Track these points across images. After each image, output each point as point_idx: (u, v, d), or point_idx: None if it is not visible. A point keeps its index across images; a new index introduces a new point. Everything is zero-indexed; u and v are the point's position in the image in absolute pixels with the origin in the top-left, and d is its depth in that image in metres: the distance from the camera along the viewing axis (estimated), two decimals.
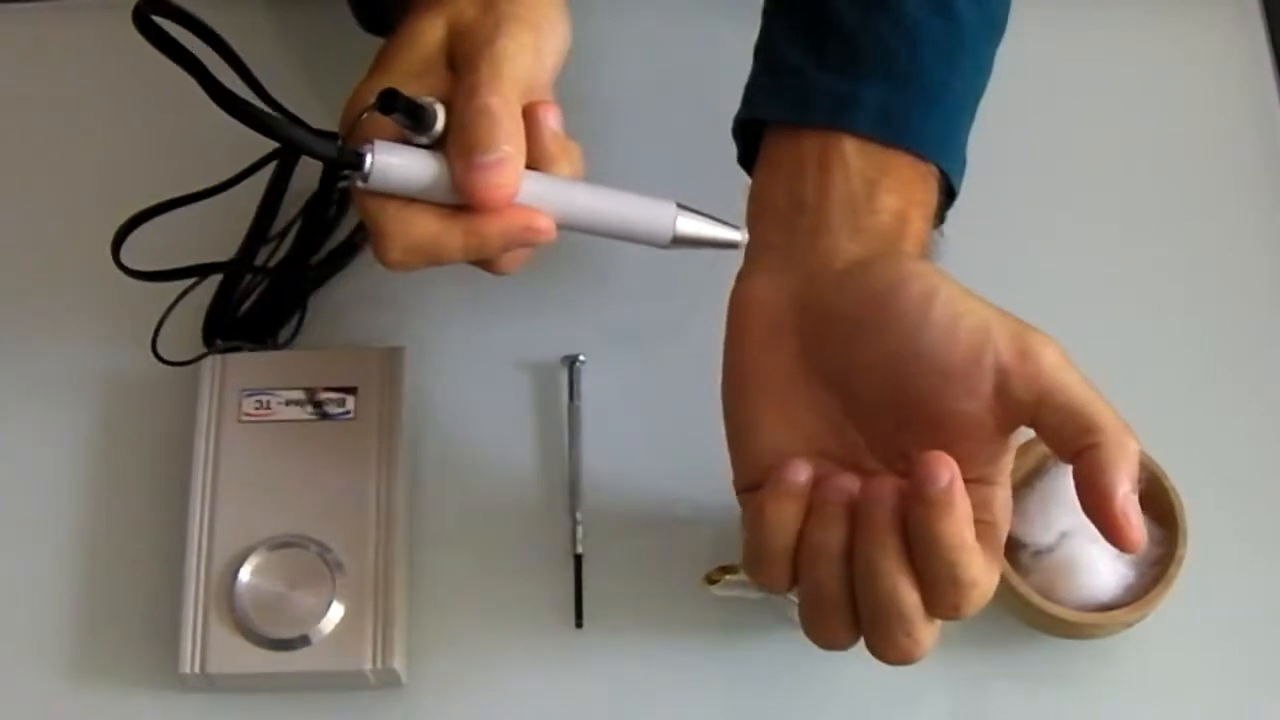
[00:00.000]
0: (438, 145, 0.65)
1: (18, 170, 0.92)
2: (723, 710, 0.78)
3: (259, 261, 0.85)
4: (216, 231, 0.85)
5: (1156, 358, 0.84)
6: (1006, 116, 0.74)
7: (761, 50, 0.73)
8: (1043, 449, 0.76)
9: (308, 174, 0.85)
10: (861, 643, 0.63)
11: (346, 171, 0.64)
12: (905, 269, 0.64)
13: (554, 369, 0.84)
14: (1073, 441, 0.61)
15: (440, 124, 0.64)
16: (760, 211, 0.68)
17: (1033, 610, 0.74)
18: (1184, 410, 0.82)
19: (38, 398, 0.85)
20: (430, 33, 0.69)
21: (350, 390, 0.81)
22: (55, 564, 0.81)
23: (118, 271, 0.75)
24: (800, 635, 0.77)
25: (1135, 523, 0.59)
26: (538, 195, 0.66)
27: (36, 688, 0.79)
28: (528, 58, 0.67)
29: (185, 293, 0.81)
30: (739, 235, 0.68)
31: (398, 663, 0.76)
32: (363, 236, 0.86)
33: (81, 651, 0.79)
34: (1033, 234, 0.86)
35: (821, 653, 0.77)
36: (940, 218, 0.70)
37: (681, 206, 0.67)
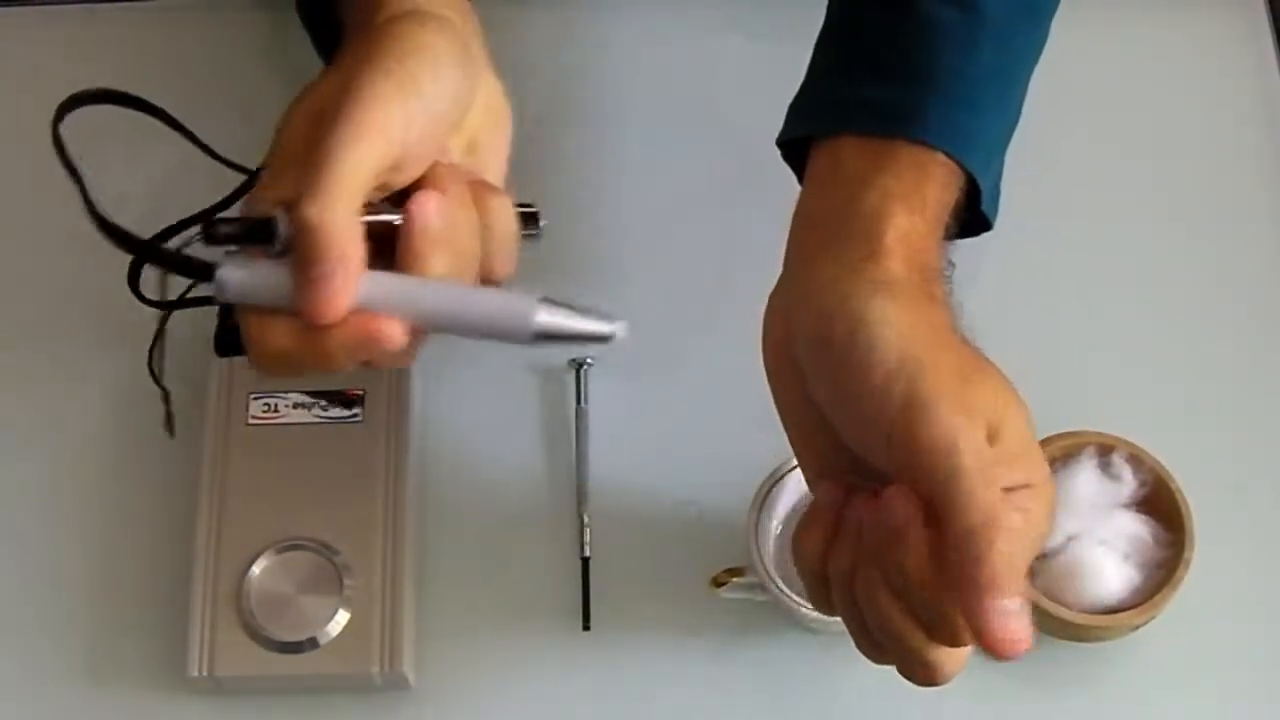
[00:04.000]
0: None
1: (25, 172, 0.92)
2: (730, 712, 0.78)
3: None
4: None
5: (1163, 360, 0.84)
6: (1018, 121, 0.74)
7: (808, 69, 0.72)
8: (1049, 451, 0.77)
9: None
10: None
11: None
12: (837, 303, 0.62)
13: (562, 373, 0.84)
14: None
15: (284, 230, 0.62)
16: (790, 232, 0.67)
17: (1039, 613, 0.74)
18: (1190, 413, 0.82)
19: (47, 400, 0.86)
20: (318, 94, 0.65)
21: (358, 394, 0.81)
22: (65, 567, 0.82)
23: (125, 272, 0.75)
24: (807, 637, 0.78)
25: (1007, 628, 0.57)
26: (385, 299, 0.63)
27: (47, 690, 0.79)
28: (376, 144, 0.62)
29: (166, 318, 0.78)
30: (609, 328, 0.64)
31: (405, 666, 0.77)
32: None
33: (91, 654, 0.80)
34: (1037, 235, 0.86)
35: (827, 655, 0.78)
36: (972, 212, 0.68)
37: (547, 300, 0.64)
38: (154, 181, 0.78)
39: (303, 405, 0.81)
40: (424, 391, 0.84)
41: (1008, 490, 0.59)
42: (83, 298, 0.87)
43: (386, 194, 0.65)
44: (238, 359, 0.82)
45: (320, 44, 0.79)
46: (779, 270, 0.65)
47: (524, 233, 0.68)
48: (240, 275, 0.63)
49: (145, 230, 0.65)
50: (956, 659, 0.60)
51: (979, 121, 0.68)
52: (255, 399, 0.81)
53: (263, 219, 0.63)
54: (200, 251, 0.64)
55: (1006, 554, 0.57)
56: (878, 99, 0.67)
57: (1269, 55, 0.92)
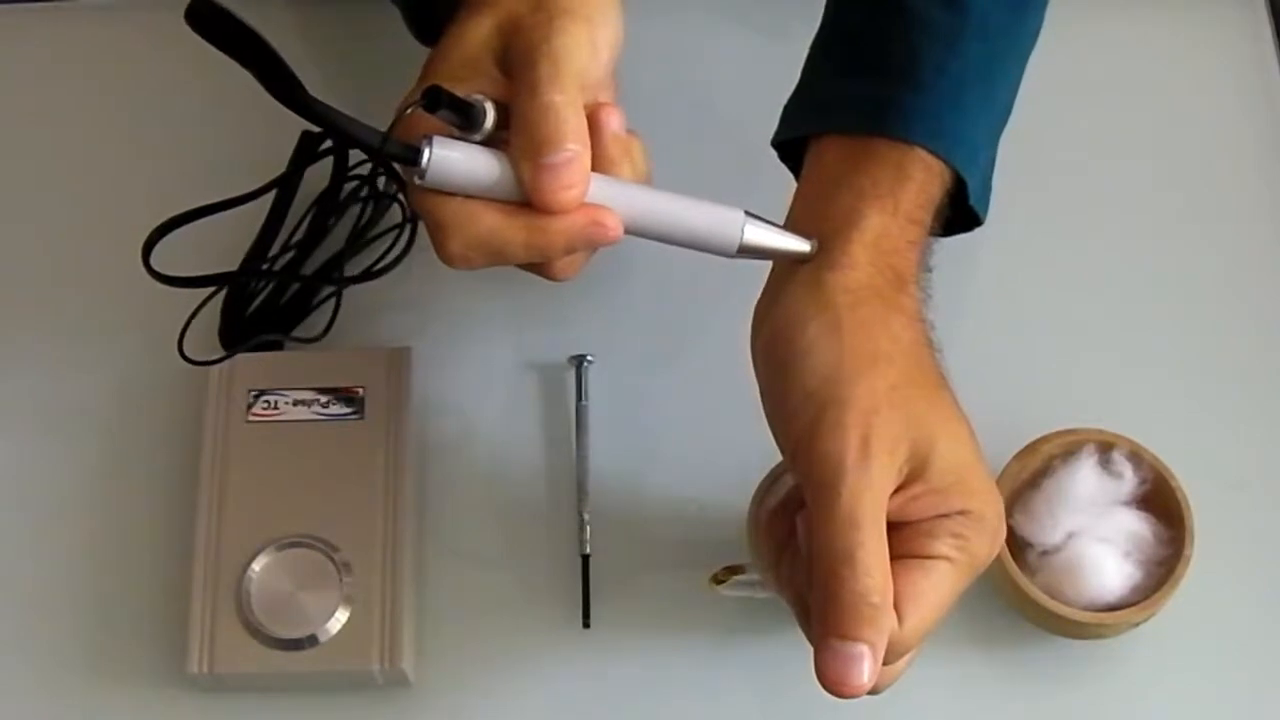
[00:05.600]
0: (489, 144, 0.63)
1: (33, 171, 0.92)
2: (729, 710, 0.78)
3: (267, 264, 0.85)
4: (239, 237, 0.85)
5: (1163, 357, 0.84)
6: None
7: (801, 71, 0.73)
8: (1050, 449, 0.77)
9: (318, 176, 0.86)
10: None
11: (401, 167, 0.62)
12: (784, 324, 0.63)
13: (562, 369, 0.84)
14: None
15: (490, 122, 0.63)
16: None
17: (1039, 610, 0.74)
18: (1191, 410, 0.82)
19: (47, 398, 0.86)
20: (476, 33, 0.67)
21: (358, 391, 0.81)
22: (64, 564, 0.82)
23: (128, 271, 0.75)
24: (805, 636, 0.78)
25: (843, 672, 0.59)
26: (603, 198, 0.64)
27: (46, 687, 0.79)
28: (584, 54, 0.65)
29: (206, 300, 0.79)
30: (808, 245, 0.65)
31: (405, 663, 0.77)
32: (372, 236, 0.86)
33: (90, 651, 0.80)
34: (1036, 233, 0.86)
35: None
36: (961, 209, 0.69)
37: (751, 215, 0.65)
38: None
39: (303, 402, 0.81)
40: (424, 388, 0.84)
41: (939, 517, 0.61)
42: (84, 295, 0.87)
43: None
44: (240, 355, 0.83)
45: (417, 19, 0.78)
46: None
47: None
48: (449, 155, 0.62)
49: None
50: (855, 672, 0.59)
51: (963, 117, 0.68)
52: (256, 396, 0.81)
53: (473, 101, 0.63)
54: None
55: (856, 596, 0.58)
56: (858, 97, 0.67)
57: (1269, 55, 0.92)
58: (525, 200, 0.63)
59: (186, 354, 0.77)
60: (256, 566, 0.77)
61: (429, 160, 0.62)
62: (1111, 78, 0.92)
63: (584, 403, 0.83)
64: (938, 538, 0.61)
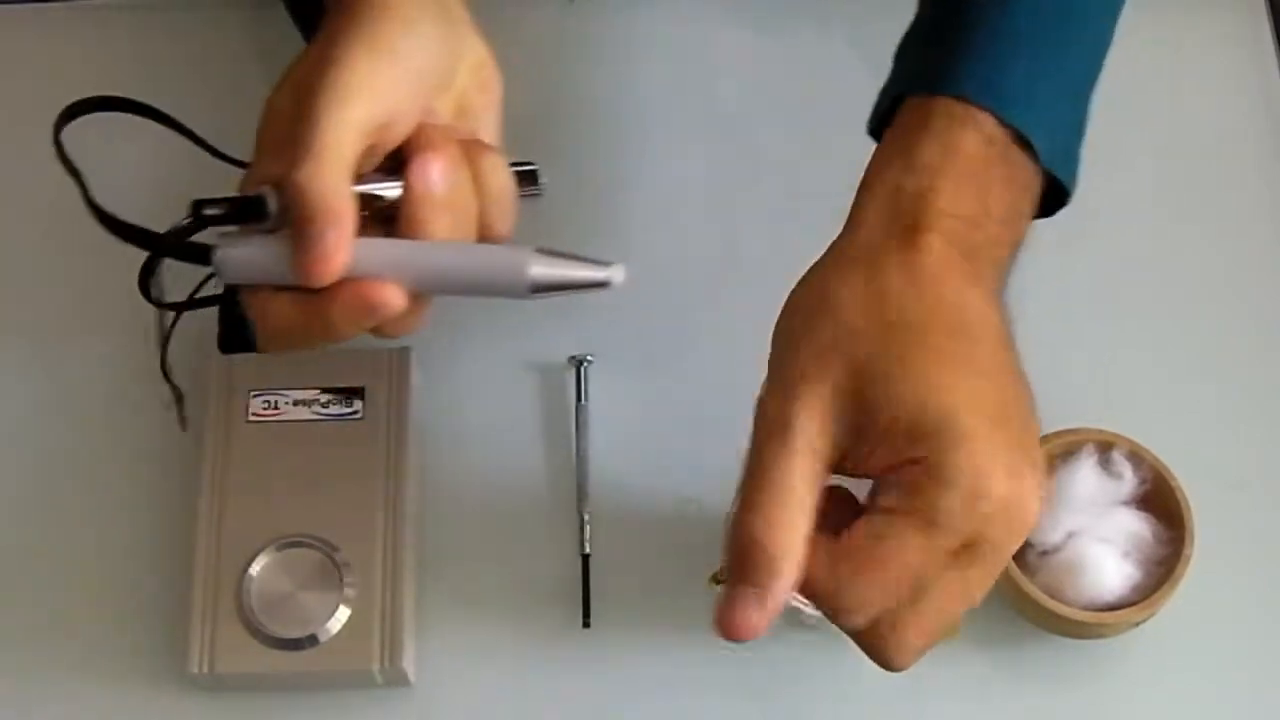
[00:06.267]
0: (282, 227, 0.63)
1: (34, 171, 0.91)
2: (730, 709, 0.78)
3: None
4: None
5: (1163, 357, 0.84)
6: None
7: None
8: (1050, 448, 0.77)
9: None
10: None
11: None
12: (804, 286, 0.63)
13: (562, 369, 0.84)
14: None
15: (274, 205, 0.63)
16: None
17: (1040, 610, 0.74)
18: (1190, 409, 0.82)
19: (47, 398, 0.86)
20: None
21: (358, 390, 0.81)
22: (65, 564, 0.81)
23: (128, 272, 0.75)
24: (807, 635, 0.78)
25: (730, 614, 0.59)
26: (380, 262, 0.63)
27: (46, 687, 0.79)
28: (357, 103, 0.63)
29: (174, 321, 0.78)
30: (605, 274, 0.64)
31: (406, 662, 0.77)
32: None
33: (91, 651, 0.80)
34: (1035, 233, 0.86)
35: (828, 653, 0.78)
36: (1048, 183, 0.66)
37: (542, 250, 0.64)
38: (160, 182, 0.78)
39: (303, 402, 0.81)
40: (424, 388, 0.84)
41: (891, 467, 0.59)
42: (83, 295, 0.87)
43: (379, 156, 0.65)
44: (239, 355, 0.83)
45: (306, 32, 0.80)
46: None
47: (524, 191, 0.68)
48: (238, 253, 0.64)
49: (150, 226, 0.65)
50: (737, 612, 0.59)
51: (1001, 66, 0.65)
52: (255, 396, 0.81)
53: (252, 195, 0.63)
54: (200, 239, 0.64)
55: (748, 539, 0.58)
56: (931, 61, 0.66)
57: (1269, 55, 0.92)
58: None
59: (169, 373, 0.78)
60: (256, 566, 0.77)
61: (218, 261, 0.63)
62: (1111, 78, 0.91)
63: (584, 403, 0.83)
64: (884, 490, 0.59)
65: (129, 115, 0.71)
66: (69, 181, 0.91)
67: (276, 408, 0.81)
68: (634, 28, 0.93)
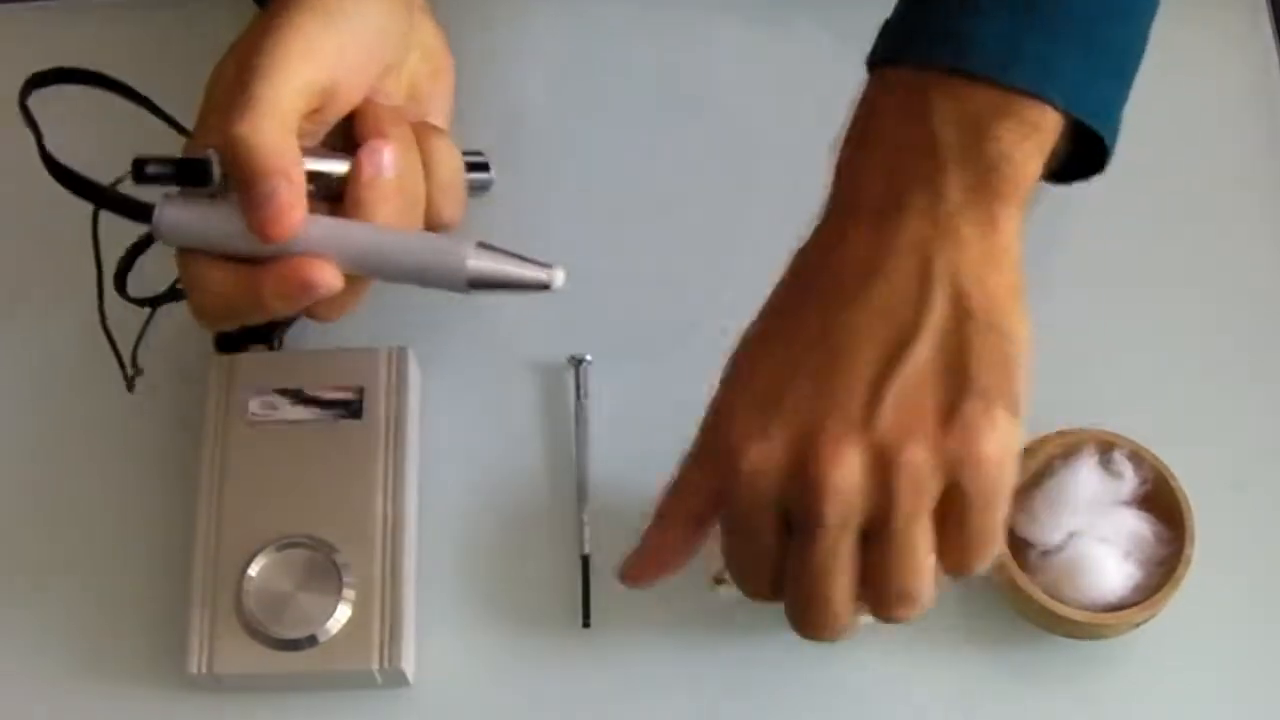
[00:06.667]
0: (225, 194, 0.63)
1: (32, 170, 0.91)
2: (729, 709, 0.78)
3: None
4: None
5: (1164, 358, 0.84)
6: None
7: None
8: (1051, 449, 0.77)
9: None
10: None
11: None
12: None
13: (561, 369, 0.84)
14: None
15: (218, 170, 0.62)
16: None
17: (1040, 610, 0.74)
18: (1191, 410, 0.82)
19: (47, 399, 0.85)
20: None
21: (357, 391, 0.81)
22: (63, 564, 0.81)
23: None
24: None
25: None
26: (319, 240, 0.63)
27: (46, 687, 0.79)
28: (305, 59, 0.63)
29: (152, 314, 0.79)
30: (545, 276, 0.64)
31: (405, 663, 0.77)
32: None
33: (89, 651, 0.80)
34: (1035, 233, 0.86)
35: (827, 654, 0.77)
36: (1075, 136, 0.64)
37: (483, 245, 0.64)
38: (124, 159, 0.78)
39: (302, 403, 0.81)
40: (423, 389, 0.84)
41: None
42: (83, 296, 0.87)
43: (324, 125, 0.65)
44: (239, 355, 0.83)
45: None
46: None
47: (473, 179, 0.68)
48: (178, 214, 0.63)
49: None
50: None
51: (1023, 41, 0.63)
52: (254, 396, 0.81)
53: (195, 158, 0.63)
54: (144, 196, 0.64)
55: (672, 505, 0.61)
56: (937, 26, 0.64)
57: (1269, 55, 0.92)
58: (254, 252, 0.63)
59: (137, 368, 0.78)
60: (256, 567, 0.77)
61: (156, 219, 0.62)
62: None
63: (583, 402, 0.83)
64: None
65: (97, 97, 0.71)
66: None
67: (275, 408, 0.81)
68: (633, 24, 0.93)
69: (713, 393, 0.61)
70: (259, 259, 0.64)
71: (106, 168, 0.69)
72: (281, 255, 0.63)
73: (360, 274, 0.64)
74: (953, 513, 0.58)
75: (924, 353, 0.58)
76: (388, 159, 0.64)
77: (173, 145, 0.70)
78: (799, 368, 0.59)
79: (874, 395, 0.58)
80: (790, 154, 0.88)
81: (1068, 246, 0.87)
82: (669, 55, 0.92)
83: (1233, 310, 0.86)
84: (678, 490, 0.63)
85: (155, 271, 0.75)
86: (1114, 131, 0.65)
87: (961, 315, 0.59)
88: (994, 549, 0.60)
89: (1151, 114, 0.90)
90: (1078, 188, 0.89)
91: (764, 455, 0.59)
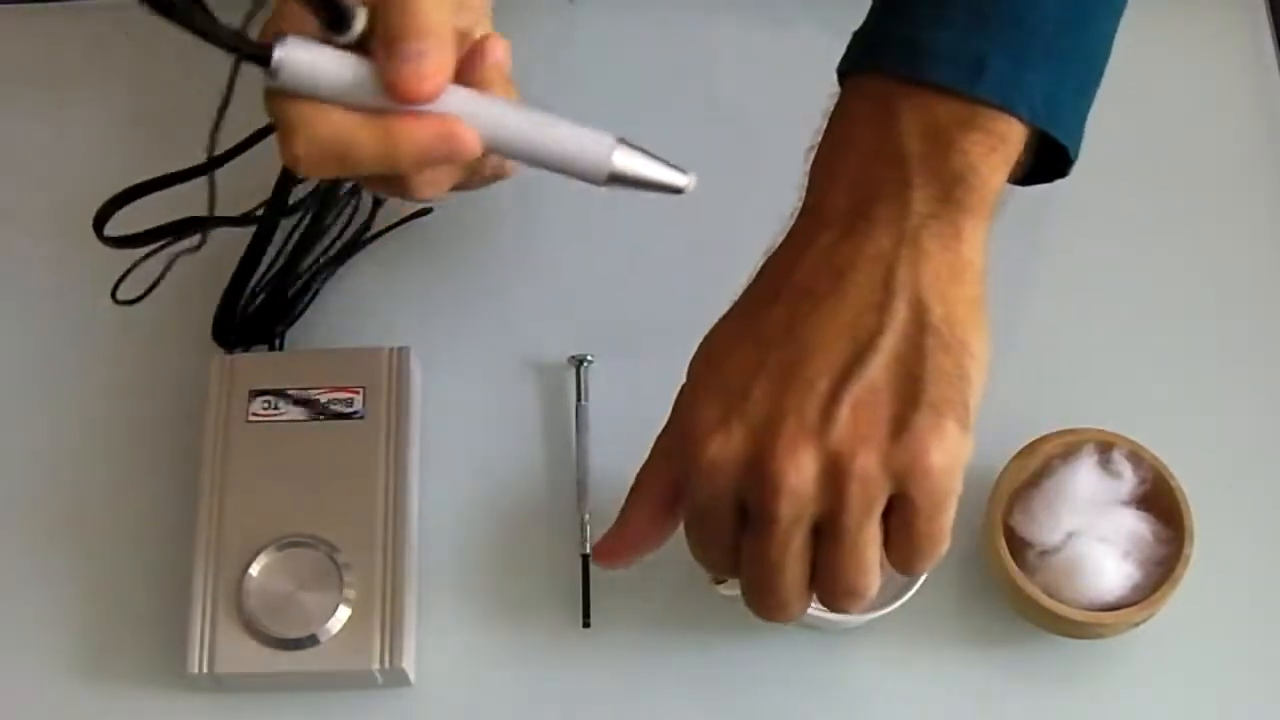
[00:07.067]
0: (360, 49, 0.61)
1: (35, 171, 0.92)
2: (729, 710, 0.78)
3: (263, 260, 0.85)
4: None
5: (1163, 357, 0.84)
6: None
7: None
8: (1049, 449, 0.77)
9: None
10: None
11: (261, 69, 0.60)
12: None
13: (562, 369, 0.84)
14: None
15: (361, 24, 0.60)
16: None
17: (1039, 610, 0.74)
18: (1190, 409, 0.82)
19: (47, 399, 0.86)
20: None
21: (358, 390, 0.81)
22: (64, 564, 0.82)
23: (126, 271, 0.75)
24: (807, 635, 0.78)
25: None
26: (464, 109, 0.61)
27: (45, 688, 0.79)
28: None
29: (149, 253, 0.76)
30: (682, 179, 0.64)
31: (406, 662, 0.77)
32: (367, 235, 0.86)
33: (90, 651, 0.80)
34: (1035, 233, 0.87)
35: (828, 653, 0.78)
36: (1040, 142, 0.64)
37: (625, 142, 0.63)
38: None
39: (302, 403, 0.81)
40: (424, 388, 0.84)
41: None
42: (84, 297, 0.87)
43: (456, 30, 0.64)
44: (239, 355, 0.83)
45: None
46: None
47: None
48: (300, 56, 0.59)
49: None
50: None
51: (980, 45, 0.63)
52: (255, 396, 0.81)
53: (341, 3, 0.60)
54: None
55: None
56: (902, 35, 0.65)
57: (1269, 55, 0.92)
58: (381, 107, 0.61)
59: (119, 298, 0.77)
60: (256, 566, 0.77)
61: (280, 61, 0.59)
62: (1111, 78, 0.91)
63: (584, 403, 0.83)
64: None
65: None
66: (70, 182, 0.92)
67: (276, 408, 0.81)
68: (633, 26, 0.93)
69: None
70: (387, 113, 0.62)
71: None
72: (428, 112, 0.62)
73: (498, 150, 0.63)
74: (901, 517, 0.60)
75: (881, 362, 0.60)
76: (503, 48, 0.65)
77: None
78: (763, 366, 0.61)
79: (831, 401, 0.59)
80: (790, 154, 0.88)
81: (1068, 247, 0.87)
82: (669, 55, 0.92)
83: (1232, 309, 0.86)
84: (645, 475, 0.65)
85: (142, 274, 0.75)
86: (1078, 141, 0.67)
87: (920, 327, 0.60)
88: (939, 552, 0.61)
89: (1152, 114, 0.91)
90: (1078, 188, 0.89)
91: (723, 448, 0.60)
